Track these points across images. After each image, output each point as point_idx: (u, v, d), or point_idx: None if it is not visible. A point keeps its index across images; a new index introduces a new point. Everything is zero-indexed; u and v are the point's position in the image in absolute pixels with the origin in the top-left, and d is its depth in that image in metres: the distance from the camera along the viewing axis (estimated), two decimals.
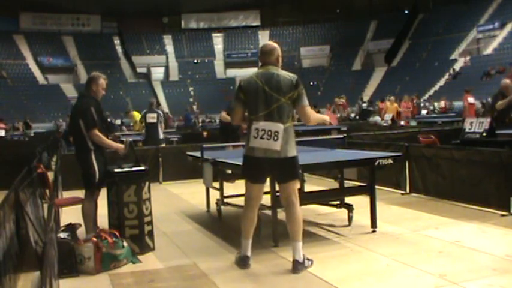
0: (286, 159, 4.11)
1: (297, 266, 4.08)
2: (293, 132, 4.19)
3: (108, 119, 18.37)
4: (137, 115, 14.42)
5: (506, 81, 8.28)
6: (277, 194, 4.82)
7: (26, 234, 4.24)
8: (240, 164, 4.47)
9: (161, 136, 11.30)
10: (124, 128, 22.02)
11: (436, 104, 28.00)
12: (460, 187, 6.31)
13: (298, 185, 4.28)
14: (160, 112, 11.61)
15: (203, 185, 6.45)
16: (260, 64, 4.32)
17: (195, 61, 46.86)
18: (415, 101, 21.85)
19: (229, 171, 6.03)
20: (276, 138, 4.04)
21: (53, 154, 12.90)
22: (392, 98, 17.88)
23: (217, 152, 6.34)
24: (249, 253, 4.28)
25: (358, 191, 5.66)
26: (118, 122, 18.51)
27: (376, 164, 5.00)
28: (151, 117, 11.13)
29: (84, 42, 44.48)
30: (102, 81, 5.10)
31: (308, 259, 4.17)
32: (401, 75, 38.12)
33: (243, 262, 4.26)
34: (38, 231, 4.53)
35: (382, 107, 19.70)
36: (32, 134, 22.73)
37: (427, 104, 29.37)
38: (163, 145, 11.04)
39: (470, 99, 14.86)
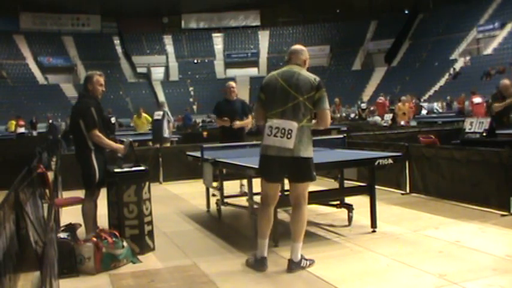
0: (299, 159, 4.04)
1: (291, 266, 4.09)
2: (309, 132, 4.11)
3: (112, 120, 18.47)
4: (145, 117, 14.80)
5: (506, 81, 8.26)
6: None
7: (26, 234, 4.24)
8: (240, 164, 4.48)
9: (166, 134, 11.58)
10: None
11: (435, 104, 27.98)
12: (460, 187, 6.31)
13: (309, 187, 4.23)
14: (167, 111, 11.98)
15: (203, 185, 6.45)
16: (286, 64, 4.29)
17: (195, 61, 46.83)
18: (413, 101, 21.81)
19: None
20: (289, 136, 3.98)
21: (53, 154, 12.90)
22: (404, 98, 17.49)
23: (217, 152, 6.33)
24: (266, 254, 4.24)
25: (358, 191, 5.66)
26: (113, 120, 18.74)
27: (376, 164, 5.00)
28: (157, 115, 11.65)
29: (84, 42, 44.43)
30: (98, 77, 5.06)
31: (306, 259, 4.16)
32: (401, 75, 38.10)
33: (261, 264, 4.18)
34: (38, 231, 4.52)
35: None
36: (35, 134, 22.76)
37: (427, 104, 29.37)
38: (168, 144, 11.23)
39: (476, 100, 14.83)
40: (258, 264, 4.20)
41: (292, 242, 4.14)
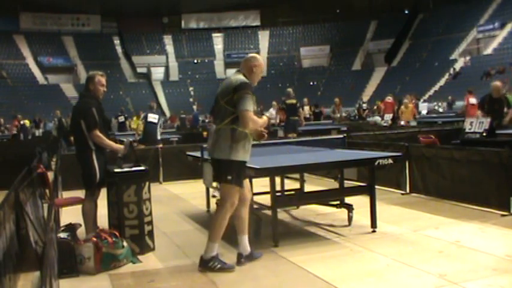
0: (215, 160, 4.23)
1: (200, 262, 4.22)
2: (229, 135, 4.09)
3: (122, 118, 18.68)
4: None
5: (497, 83, 8.29)
6: (278, 194, 4.84)
7: (26, 234, 4.24)
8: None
9: (159, 137, 11.63)
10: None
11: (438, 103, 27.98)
12: (460, 187, 6.31)
13: (231, 190, 4.17)
14: (161, 116, 11.99)
15: (203, 185, 6.45)
16: None
17: (195, 61, 46.82)
18: (413, 101, 21.72)
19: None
20: (210, 138, 4.22)
21: (53, 154, 12.90)
22: (406, 100, 17.27)
23: None
24: (240, 250, 4.39)
25: (358, 191, 5.66)
26: (121, 119, 19.02)
27: (376, 164, 5.00)
28: (153, 117, 11.59)
29: (84, 42, 44.43)
30: (99, 78, 5.06)
31: (221, 262, 4.19)
32: (401, 75, 38.10)
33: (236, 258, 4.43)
34: (38, 231, 4.53)
35: (382, 107, 19.58)
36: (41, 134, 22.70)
37: (427, 103, 29.36)
38: (161, 145, 11.24)
39: (472, 100, 14.83)
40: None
41: (207, 239, 4.25)
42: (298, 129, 12.93)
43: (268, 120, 4.55)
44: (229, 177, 4.13)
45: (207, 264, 4.17)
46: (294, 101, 13.04)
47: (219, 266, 4.17)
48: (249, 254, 4.39)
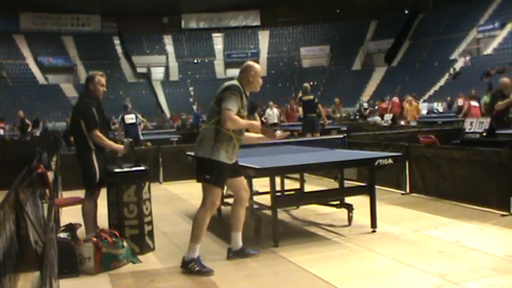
0: (197, 158, 4.30)
1: (182, 263, 4.22)
2: (212, 134, 4.16)
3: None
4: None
5: (505, 80, 8.28)
6: (278, 194, 4.84)
7: (26, 234, 4.24)
8: (242, 164, 4.53)
9: (141, 137, 11.59)
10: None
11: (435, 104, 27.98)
12: (460, 187, 6.32)
13: (211, 190, 4.22)
14: (138, 114, 11.96)
15: None
16: None
17: (195, 61, 46.79)
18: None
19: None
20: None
21: (53, 154, 12.90)
22: (410, 98, 17.15)
23: None
24: (231, 245, 4.50)
25: (358, 191, 5.67)
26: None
27: (376, 164, 5.00)
28: (130, 118, 11.49)
29: (84, 42, 44.40)
30: (99, 78, 5.07)
31: (200, 264, 4.15)
32: (401, 75, 38.09)
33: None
34: (38, 231, 4.52)
35: (384, 107, 19.60)
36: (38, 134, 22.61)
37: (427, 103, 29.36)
38: (150, 144, 11.26)
39: (474, 103, 14.84)
40: None
41: (189, 239, 4.26)
42: (319, 128, 11.88)
43: (261, 123, 4.61)
44: (208, 177, 4.18)
45: (187, 266, 4.17)
46: (311, 97, 12.03)
47: (197, 268, 4.14)
48: (239, 250, 4.45)
